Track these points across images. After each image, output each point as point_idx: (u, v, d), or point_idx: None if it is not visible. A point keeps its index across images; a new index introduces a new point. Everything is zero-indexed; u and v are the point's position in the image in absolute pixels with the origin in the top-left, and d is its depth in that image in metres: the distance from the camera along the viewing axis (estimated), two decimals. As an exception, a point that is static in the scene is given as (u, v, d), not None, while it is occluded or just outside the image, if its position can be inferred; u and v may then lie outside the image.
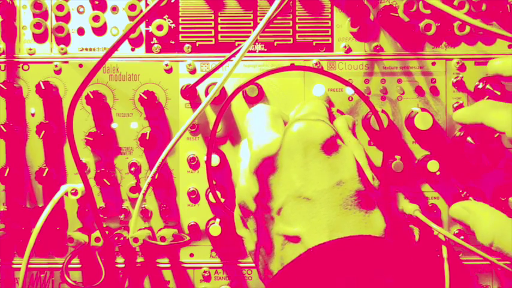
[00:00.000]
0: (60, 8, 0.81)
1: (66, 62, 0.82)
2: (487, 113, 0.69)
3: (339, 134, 0.60)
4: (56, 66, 0.81)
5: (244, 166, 0.64)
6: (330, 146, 0.56)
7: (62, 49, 0.82)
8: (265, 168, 0.58)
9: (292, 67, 0.71)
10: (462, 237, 0.81)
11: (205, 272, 0.83)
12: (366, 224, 0.54)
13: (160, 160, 0.73)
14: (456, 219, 0.72)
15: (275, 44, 0.82)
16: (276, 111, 0.67)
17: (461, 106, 0.81)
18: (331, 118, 0.69)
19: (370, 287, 0.49)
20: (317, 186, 0.55)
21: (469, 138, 0.79)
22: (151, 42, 0.82)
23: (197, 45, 0.82)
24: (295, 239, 0.54)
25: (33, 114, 0.81)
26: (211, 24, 0.82)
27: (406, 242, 0.72)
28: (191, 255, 0.83)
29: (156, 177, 0.75)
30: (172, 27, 0.82)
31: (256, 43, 0.82)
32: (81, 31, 0.82)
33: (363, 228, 0.54)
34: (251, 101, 0.81)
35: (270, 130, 0.62)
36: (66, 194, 0.78)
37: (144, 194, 0.75)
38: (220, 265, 0.83)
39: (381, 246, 0.53)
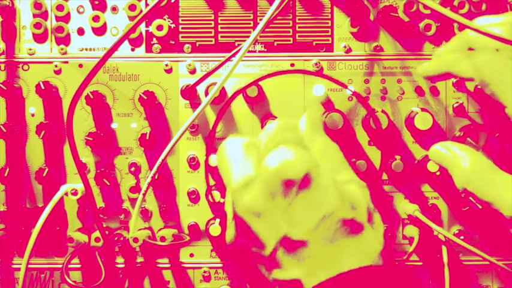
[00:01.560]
0: (60, 8, 0.81)
1: (66, 62, 0.82)
2: (452, 61, 0.66)
3: (315, 161, 0.57)
4: (56, 66, 0.81)
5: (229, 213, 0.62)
6: (307, 180, 0.55)
7: (62, 49, 0.82)
8: (249, 216, 0.57)
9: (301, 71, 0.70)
10: (462, 237, 0.81)
11: (205, 272, 0.83)
12: (360, 251, 0.54)
13: (160, 160, 0.73)
14: (436, 162, 0.68)
15: (275, 44, 0.82)
16: (248, 143, 0.63)
17: (461, 106, 0.80)
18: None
19: None
20: (304, 227, 0.54)
21: (469, 139, 0.79)
22: (151, 42, 0.82)
23: (197, 45, 0.82)
24: (295, 283, 0.54)
25: (33, 114, 0.81)
26: (211, 24, 0.82)
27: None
28: (191, 255, 0.83)
29: (156, 177, 0.75)
30: (172, 27, 0.82)
31: (256, 43, 0.82)
32: (81, 31, 0.82)
33: (359, 257, 0.54)
34: (251, 101, 0.81)
35: (246, 166, 0.59)
36: (66, 194, 0.78)
37: (144, 194, 0.75)
38: (220, 265, 0.83)
39: (380, 272, 0.53)
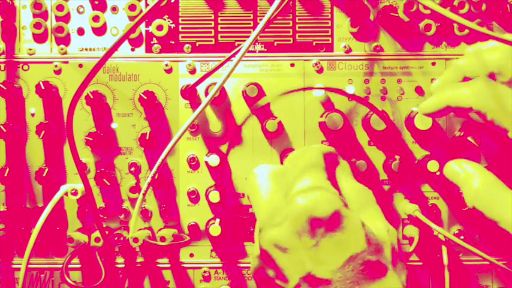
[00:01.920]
0: (60, 8, 0.81)
1: (66, 62, 0.82)
2: (450, 95, 0.68)
3: (343, 201, 0.58)
4: (56, 66, 0.81)
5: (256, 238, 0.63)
6: (335, 220, 0.56)
7: (62, 49, 0.82)
8: (274, 249, 0.58)
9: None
10: (462, 237, 0.81)
11: (205, 272, 0.83)
12: None
13: (160, 160, 0.73)
14: (449, 178, 0.71)
15: (275, 44, 0.82)
16: (277, 172, 0.64)
17: (461, 106, 0.80)
18: (329, 160, 0.67)
19: None
20: (329, 266, 0.55)
21: (469, 138, 0.79)
22: (151, 42, 0.82)
23: (197, 45, 0.82)
24: None
25: (33, 114, 0.81)
26: (211, 24, 0.82)
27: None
28: (191, 255, 0.83)
29: (156, 177, 0.75)
30: (172, 27, 0.82)
31: (256, 43, 0.82)
32: (81, 31, 0.82)
33: None
34: (251, 101, 0.81)
35: (274, 196, 0.61)
36: (66, 194, 0.78)
37: (144, 194, 0.75)
38: (220, 265, 0.83)
39: None
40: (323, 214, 0.56)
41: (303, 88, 0.78)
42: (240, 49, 0.70)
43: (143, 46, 0.82)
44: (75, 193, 0.78)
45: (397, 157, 0.78)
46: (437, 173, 0.78)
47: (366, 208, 0.63)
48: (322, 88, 0.76)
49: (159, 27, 0.81)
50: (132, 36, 0.81)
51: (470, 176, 0.66)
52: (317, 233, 0.56)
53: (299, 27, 0.82)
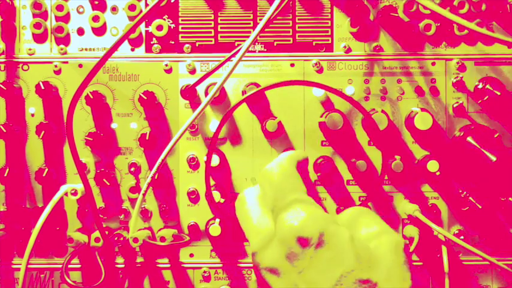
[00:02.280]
0: (59, 8, 0.81)
1: (66, 62, 0.82)
2: None
3: (328, 221, 0.57)
4: (56, 66, 0.81)
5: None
6: (324, 238, 0.56)
7: (62, 49, 0.82)
8: (267, 274, 0.58)
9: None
10: (462, 237, 0.81)
11: (205, 272, 0.83)
12: None
13: (160, 160, 0.73)
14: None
15: (275, 44, 0.82)
16: (262, 195, 0.65)
17: (461, 106, 0.80)
18: (303, 167, 0.67)
19: None
20: (321, 285, 0.55)
21: (469, 138, 0.79)
22: (151, 42, 0.82)
23: (197, 45, 0.82)
24: None
25: (33, 115, 0.81)
26: (211, 24, 0.82)
27: None
28: (191, 255, 0.83)
29: (156, 177, 0.75)
30: (172, 27, 0.82)
31: (256, 43, 0.82)
32: (80, 31, 0.82)
33: None
34: (251, 102, 0.81)
35: (263, 221, 0.61)
36: (66, 194, 0.78)
37: (144, 194, 0.74)
38: (220, 265, 0.83)
39: None
40: (310, 234, 0.55)
41: (298, 82, 0.78)
42: (240, 49, 0.70)
43: (143, 46, 0.82)
44: (75, 193, 0.78)
45: (398, 157, 0.78)
46: (437, 173, 0.78)
47: (360, 217, 0.63)
48: (307, 83, 0.75)
49: (159, 27, 0.81)
50: (132, 36, 0.81)
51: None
52: (307, 253, 0.56)
53: (299, 27, 0.82)
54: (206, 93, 0.81)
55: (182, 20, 0.82)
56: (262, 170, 0.64)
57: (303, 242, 0.55)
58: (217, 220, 0.80)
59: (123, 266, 0.83)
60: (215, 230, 0.79)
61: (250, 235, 0.61)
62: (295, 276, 0.56)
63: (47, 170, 0.79)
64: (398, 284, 0.57)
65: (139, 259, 0.83)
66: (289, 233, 0.56)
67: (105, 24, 0.82)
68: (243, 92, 0.80)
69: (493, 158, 0.76)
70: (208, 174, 0.76)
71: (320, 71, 0.81)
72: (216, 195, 0.79)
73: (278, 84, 0.72)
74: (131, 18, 0.82)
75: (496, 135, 0.79)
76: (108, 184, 0.79)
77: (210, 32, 0.82)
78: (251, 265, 0.82)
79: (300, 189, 0.61)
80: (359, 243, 0.57)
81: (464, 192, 0.80)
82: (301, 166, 0.66)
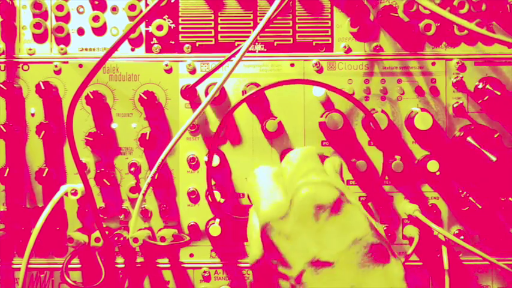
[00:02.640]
0: (60, 8, 0.81)
1: (66, 62, 0.82)
2: None
3: (342, 191, 0.60)
4: (56, 66, 0.81)
5: (255, 234, 0.64)
6: (338, 205, 0.57)
7: (62, 49, 0.82)
8: (278, 238, 0.59)
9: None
10: (462, 237, 0.81)
11: (205, 272, 0.83)
12: (386, 278, 0.55)
13: (160, 160, 0.73)
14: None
15: (275, 44, 0.82)
16: (277, 172, 0.67)
17: (461, 106, 0.80)
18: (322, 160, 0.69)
19: None
20: (333, 249, 0.55)
21: (469, 138, 0.79)
22: (151, 43, 0.82)
23: (197, 45, 0.82)
24: None
25: (33, 114, 0.81)
26: (211, 24, 0.82)
27: None
28: (191, 255, 0.83)
29: (156, 177, 0.75)
30: (172, 28, 0.82)
31: (256, 43, 0.82)
32: (81, 31, 0.82)
33: (385, 284, 0.55)
34: (251, 102, 0.81)
35: (276, 193, 0.62)
36: (66, 194, 0.78)
37: (144, 194, 0.74)
38: (220, 265, 0.83)
39: None
40: (326, 200, 0.57)
41: (296, 81, 0.78)
42: (240, 49, 0.70)
43: (143, 46, 0.82)
44: (75, 193, 0.78)
45: (398, 157, 0.78)
46: (437, 173, 0.78)
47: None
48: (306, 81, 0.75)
49: (159, 27, 0.81)
50: (132, 36, 0.81)
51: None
52: (321, 217, 0.56)
53: (299, 27, 0.82)
54: (206, 93, 0.81)
55: (182, 20, 0.82)
56: (287, 155, 0.65)
57: (319, 208, 0.56)
58: (217, 220, 0.80)
59: (123, 266, 0.83)
60: (215, 230, 0.79)
61: (261, 206, 0.61)
62: (307, 238, 0.56)
63: (47, 170, 0.79)
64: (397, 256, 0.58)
65: (140, 259, 0.83)
66: (306, 200, 0.57)
67: (105, 24, 0.82)
68: (243, 92, 0.81)
69: (493, 158, 0.76)
70: (210, 174, 0.76)
71: (320, 71, 0.81)
72: (216, 195, 0.79)
73: (277, 83, 0.72)
74: (131, 18, 0.82)
75: (496, 135, 0.79)
76: (108, 184, 0.79)
77: (210, 32, 0.82)
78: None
79: (319, 168, 0.62)
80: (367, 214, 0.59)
81: (464, 192, 0.80)
82: (321, 159, 0.67)
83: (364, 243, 0.56)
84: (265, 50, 0.82)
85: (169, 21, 0.82)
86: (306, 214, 0.57)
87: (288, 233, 0.57)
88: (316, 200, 0.57)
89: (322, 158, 0.67)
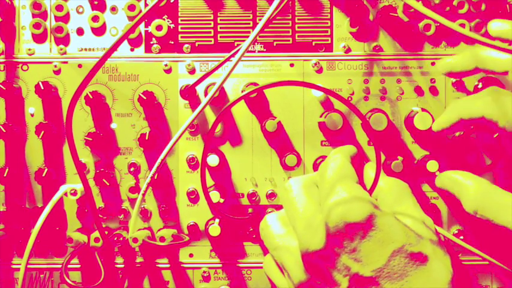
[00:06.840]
0: (59, 8, 0.81)
1: (66, 62, 0.82)
2: (461, 108, 0.70)
3: (375, 204, 0.60)
4: (55, 66, 0.81)
5: (293, 256, 0.64)
6: (371, 221, 0.57)
7: (61, 49, 0.82)
8: (317, 260, 0.59)
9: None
10: (462, 237, 0.81)
11: (204, 272, 0.83)
12: (429, 278, 0.56)
13: (159, 160, 0.73)
14: (442, 189, 0.74)
15: (274, 44, 0.82)
16: (308, 182, 0.67)
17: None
18: (356, 161, 0.69)
19: None
20: (373, 265, 0.56)
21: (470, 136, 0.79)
22: (151, 43, 0.82)
23: (196, 45, 0.82)
24: None
25: (32, 115, 0.81)
26: (210, 24, 0.82)
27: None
28: (190, 255, 0.83)
29: (156, 177, 0.75)
30: (171, 28, 0.82)
31: (256, 43, 0.82)
32: (80, 31, 0.82)
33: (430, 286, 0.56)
34: (250, 102, 0.81)
35: (309, 211, 0.62)
36: (66, 194, 0.78)
37: (144, 194, 0.75)
38: (220, 265, 0.83)
39: None
40: (358, 218, 0.57)
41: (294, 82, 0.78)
42: (239, 49, 0.70)
43: (142, 46, 0.82)
44: (74, 193, 0.78)
45: (400, 158, 0.78)
46: (437, 173, 0.78)
47: (401, 201, 0.66)
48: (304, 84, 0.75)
49: (159, 27, 0.81)
50: (132, 36, 0.81)
51: (463, 183, 0.67)
52: (356, 236, 0.56)
53: (298, 27, 0.82)
54: (206, 93, 0.81)
55: (182, 20, 0.82)
56: (323, 162, 0.67)
57: (351, 226, 0.57)
58: (217, 220, 0.80)
59: (122, 266, 0.83)
60: (215, 230, 0.79)
61: (297, 224, 0.62)
62: (346, 258, 0.57)
63: (46, 170, 0.79)
64: (443, 257, 0.58)
65: (139, 259, 0.83)
66: (337, 219, 0.57)
67: (104, 24, 0.82)
68: (243, 92, 0.80)
69: (488, 161, 0.77)
70: (204, 169, 0.76)
71: (319, 71, 0.81)
72: (216, 195, 0.79)
73: (276, 83, 0.72)
74: (131, 18, 0.82)
75: (495, 135, 0.79)
76: (108, 184, 0.79)
77: (210, 32, 0.82)
78: (251, 265, 0.82)
79: (351, 186, 0.62)
80: (403, 221, 0.59)
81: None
82: (356, 160, 0.69)
83: (403, 253, 0.56)
84: (265, 50, 0.82)
85: (168, 21, 0.82)
86: (341, 237, 0.57)
87: (328, 255, 0.58)
88: (348, 219, 0.57)
89: (355, 158, 0.68)
